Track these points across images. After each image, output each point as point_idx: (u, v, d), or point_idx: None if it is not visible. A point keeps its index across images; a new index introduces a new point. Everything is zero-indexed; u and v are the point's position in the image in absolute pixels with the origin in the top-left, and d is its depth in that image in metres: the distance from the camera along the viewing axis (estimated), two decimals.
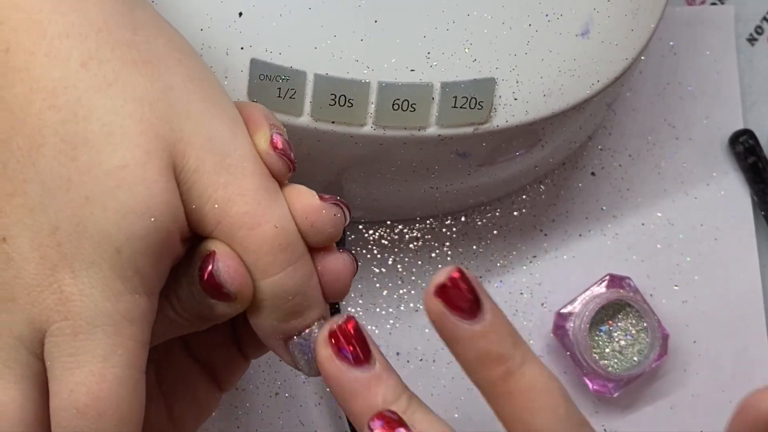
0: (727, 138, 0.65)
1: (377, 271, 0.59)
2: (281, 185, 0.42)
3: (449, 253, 0.61)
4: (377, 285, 0.60)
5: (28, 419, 0.39)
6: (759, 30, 0.67)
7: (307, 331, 0.42)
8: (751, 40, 0.67)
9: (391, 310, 0.60)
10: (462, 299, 0.39)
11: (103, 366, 0.38)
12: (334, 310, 0.56)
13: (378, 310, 0.60)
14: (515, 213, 0.62)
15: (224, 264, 0.40)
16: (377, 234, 0.60)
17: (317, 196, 0.42)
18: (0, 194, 0.38)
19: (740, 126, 0.65)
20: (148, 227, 0.38)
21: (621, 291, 0.60)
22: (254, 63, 0.47)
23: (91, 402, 0.38)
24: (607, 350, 0.59)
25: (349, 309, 0.60)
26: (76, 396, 0.38)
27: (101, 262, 0.38)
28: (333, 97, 0.48)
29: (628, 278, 0.60)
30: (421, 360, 0.60)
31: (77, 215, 0.38)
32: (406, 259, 0.60)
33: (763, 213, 0.64)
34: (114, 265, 0.38)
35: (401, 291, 0.59)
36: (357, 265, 0.43)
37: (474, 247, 0.61)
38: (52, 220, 0.38)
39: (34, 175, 0.38)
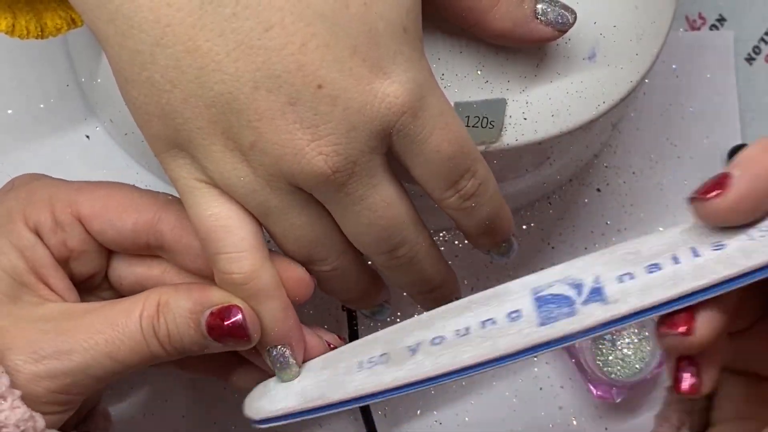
0: (726, 154, 0.65)
1: None
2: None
3: (461, 264, 0.61)
4: (393, 294, 0.60)
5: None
6: (756, 50, 0.68)
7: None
8: (749, 59, 0.68)
9: (406, 318, 0.61)
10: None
11: (448, 115, 0.43)
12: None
13: (393, 317, 0.58)
14: (524, 227, 0.63)
15: (250, 316, 0.44)
16: None
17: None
18: (293, 48, 0.40)
19: (739, 141, 0.66)
20: None
21: None
22: None
23: (458, 135, 0.43)
24: (610, 358, 0.60)
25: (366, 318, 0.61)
26: (444, 139, 0.43)
27: (399, 46, 0.41)
28: None
29: None
30: None
31: (366, 22, 0.40)
32: None
33: None
34: (407, 42, 0.42)
35: None
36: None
37: (485, 258, 0.62)
38: (347, 43, 0.40)
39: (312, 15, 0.40)
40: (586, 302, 0.41)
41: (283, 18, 0.40)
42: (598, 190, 0.65)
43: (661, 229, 0.64)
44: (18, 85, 0.61)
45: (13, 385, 0.42)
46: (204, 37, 0.40)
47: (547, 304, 0.42)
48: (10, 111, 0.61)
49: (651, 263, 0.41)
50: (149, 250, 0.48)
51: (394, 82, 0.41)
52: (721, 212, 0.39)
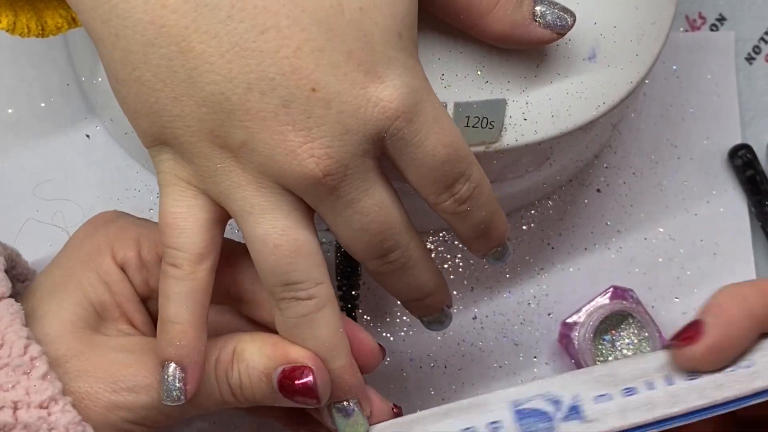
0: (726, 154, 0.65)
1: None
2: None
3: (461, 264, 0.62)
4: (387, 297, 0.59)
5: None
6: (756, 50, 0.68)
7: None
8: (749, 59, 0.68)
9: (405, 318, 0.61)
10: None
11: (443, 120, 0.43)
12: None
13: (393, 318, 0.61)
14: (524, 227, 0.63)
15: (321, 378, 0.44)
16: None
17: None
18: (288, 52, 0.40)
19: (739, 141, 0.66)
20: (410, 3, 0.42)
21: (624, 302, 0.60)
22: None
23: (453, 140, 0.44)
24: (610, 358, 0.60)
25: (365, 317, 0.60)
26: (439, 143, 0.43)
27: (394, 52, 0.41)
28: None
29: (631, 290, 0.61)
30: (432, 366, 0.61)
31: (361, 28, 0.40)
32: None
33: (760, 223, 0.65)
34: (402, 48, 0.42)
35: None
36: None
37: (484, 259, 0.62)
38: (343, 48, 0.40)
39: (307, 20, 0.40)
40: (565, 419, 0.44)
41: (279, 22, 0.40)
42: (598, 190, 0.64)
43: (661, 230, 0.64)
44: (19, 84, 0.61)
45: (90, 410, 0.43)
46: (198, 39, 0.40)
47: (527, 417, 0.44)
48: (10, 110, 0.61)
49: (627, 387, 0.44)
50: (225, 298, 0.48)
51: (389, 86, 0.41)
52: (695, 360, 0.43)
